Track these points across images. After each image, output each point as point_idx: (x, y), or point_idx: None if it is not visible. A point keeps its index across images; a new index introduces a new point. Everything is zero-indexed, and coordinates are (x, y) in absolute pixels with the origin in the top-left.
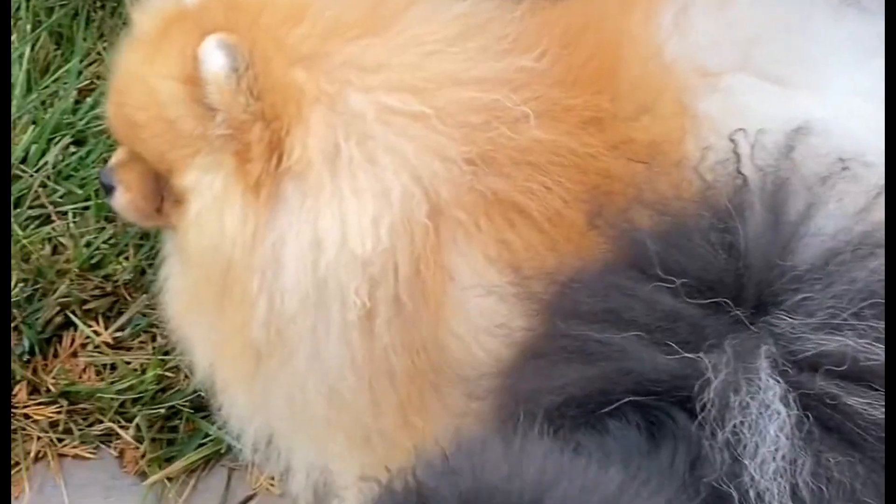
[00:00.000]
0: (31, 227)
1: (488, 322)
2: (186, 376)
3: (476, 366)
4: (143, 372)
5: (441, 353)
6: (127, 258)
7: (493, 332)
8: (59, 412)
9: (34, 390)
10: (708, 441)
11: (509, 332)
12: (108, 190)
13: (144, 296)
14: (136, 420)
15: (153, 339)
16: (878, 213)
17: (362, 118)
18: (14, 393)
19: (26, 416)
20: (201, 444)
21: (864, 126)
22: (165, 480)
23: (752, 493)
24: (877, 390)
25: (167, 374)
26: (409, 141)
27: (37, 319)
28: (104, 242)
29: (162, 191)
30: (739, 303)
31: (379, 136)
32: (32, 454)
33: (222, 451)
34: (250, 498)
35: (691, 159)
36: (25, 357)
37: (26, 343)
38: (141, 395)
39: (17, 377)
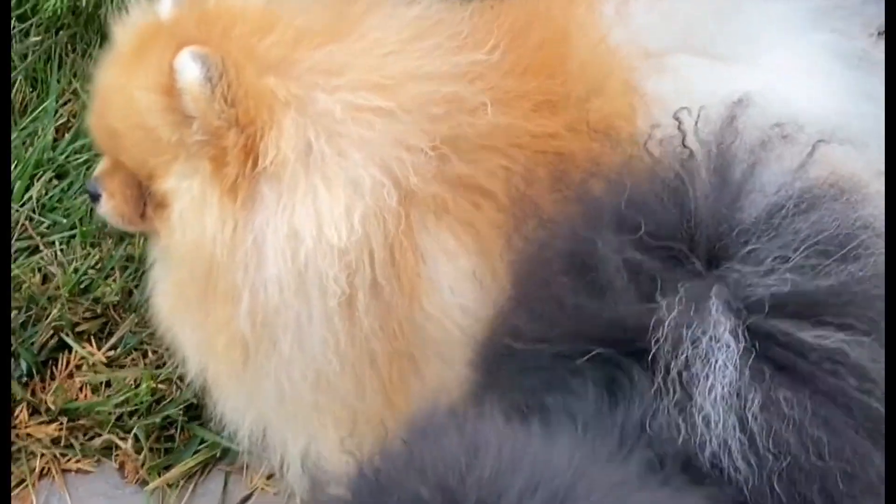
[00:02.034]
0: (21, 258)
1: (461, 300)
2: (179, 387)
3: (452, 343)
4: (137, 386)
5: (417, 333)
6: (114, 280)
7: (466, 310)
8: (59, 430)
9: (34, 411)
10: (661, 375)
11: (482, 308)
12: (94, 198)
13: (133, 315)
14: (134, 430)
15: (144, 355)
16: (815, 170)
17: (331, 116)
18: (15, 415)
19: (28, 436)
20: (197, 451)
21: (797, 94)
22: (165, 487)
23: (699, 422)
24: (827, 323)
25: (160, 386)
26: (375, 134)
27: (32, 343)
28: (91, 268)
29: (145, 196)
30: (694, 256)
31: (347, 132)
32: (37, 471)
33: (218, 455)
34: (247, 498)
35: (642, 135)
36: (24, 380)
37: (24, 366)
38: (136, 407)
39: (18, 398)
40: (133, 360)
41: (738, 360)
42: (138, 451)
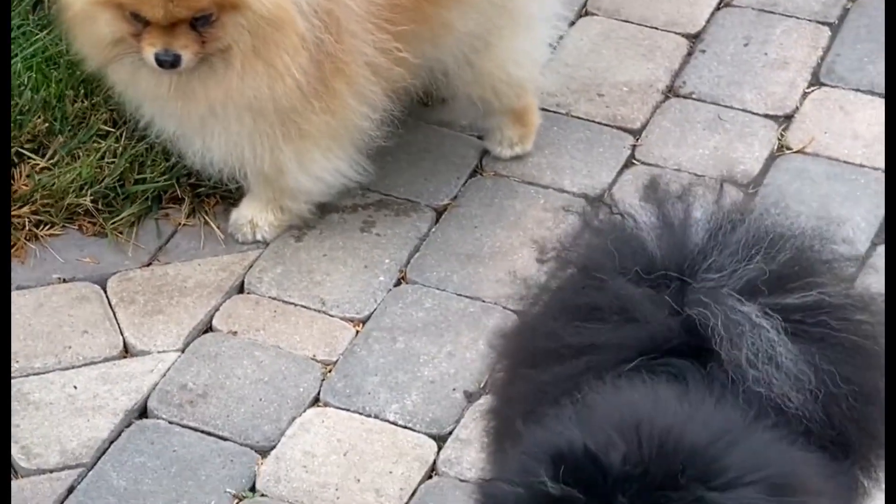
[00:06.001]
0: None
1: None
2: (108, 167)
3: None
4: (80, 174)
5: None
6: (41, 117)
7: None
8: (33, 207)
9: (14, 202)
10: (727, 357)
11: None
12: (175, 63)
13: (61, 136)
14: (89, 193)
15: (75, 158)
16: (725, 201)
17: None
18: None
19: (18, 216)
20: (132, 205)
21: None
22: (116, 233)
23: (772, 377)
24: (797, 288)
25: (96, 170)
26: None
27: None
28: (19, 114)
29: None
30: (676, 276)
31: None
32: (23, 237)
33: (149, 208)
34: (174, 233)
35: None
36: None
37: None
38: (83, 182)
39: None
40: (67, 162)
41: (775, 332)
42: (96, 211)
